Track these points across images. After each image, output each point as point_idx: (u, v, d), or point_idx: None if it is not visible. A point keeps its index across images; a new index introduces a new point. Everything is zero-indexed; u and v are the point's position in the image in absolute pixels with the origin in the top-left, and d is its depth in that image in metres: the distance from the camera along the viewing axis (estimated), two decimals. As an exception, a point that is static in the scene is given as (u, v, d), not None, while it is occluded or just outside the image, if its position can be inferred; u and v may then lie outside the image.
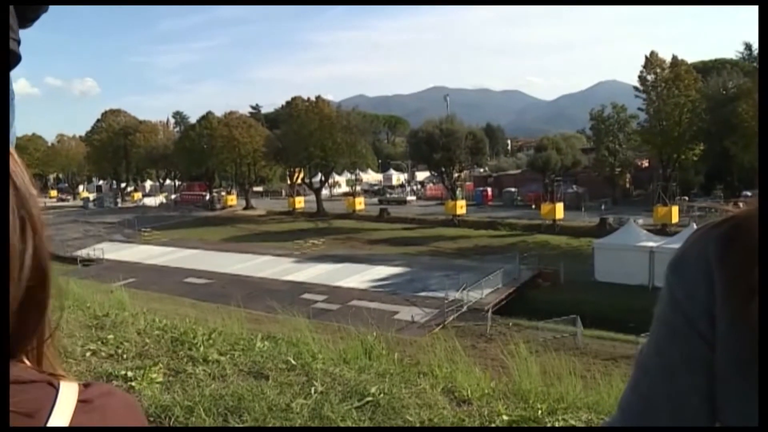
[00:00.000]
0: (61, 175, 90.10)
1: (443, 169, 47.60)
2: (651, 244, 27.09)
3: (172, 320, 4.81)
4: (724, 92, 40.05)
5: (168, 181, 74.19)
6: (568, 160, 48.55)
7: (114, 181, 79.84)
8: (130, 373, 3.34)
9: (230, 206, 59.21)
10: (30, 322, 0.56)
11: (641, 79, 42.39)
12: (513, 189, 56.23)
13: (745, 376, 0.60)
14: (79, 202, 70.26)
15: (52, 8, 1.40)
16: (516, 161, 77.65)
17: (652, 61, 41.87)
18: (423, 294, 26.16)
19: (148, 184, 78.81)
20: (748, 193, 34.54)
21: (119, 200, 69.84)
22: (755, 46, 6.25)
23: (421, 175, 71.98)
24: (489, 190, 57.71)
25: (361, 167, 62.86)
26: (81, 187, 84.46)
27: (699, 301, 0.64)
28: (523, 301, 25.72)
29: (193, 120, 70.33)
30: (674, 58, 41.94)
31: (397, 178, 75.25)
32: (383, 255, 35.41)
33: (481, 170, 63.60)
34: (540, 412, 2.86)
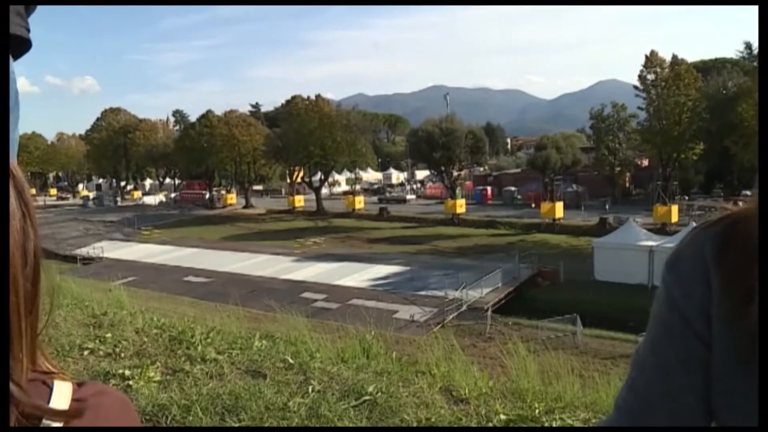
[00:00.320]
0: (60, 174, 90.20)
1: (443, 168, 47.62)
2: (651, 243, 27.05)
3: (171, 319, 4.80)
4: (724, 92, 39.96)
5: (168, 180, 74.18)
6: (567, 159, 48.63)
7: (114, 180, 79.83)
8: (127, 372, 3.33)
9: (230, 205, 59.17)
10: (21, 320, 0.56)
11: (641, 78, 42.37)
12: (513, 188, 56.28)
13: (741, 376, 0.59)
14: (79, 201, 70.30)
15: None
16: (516, 160, 77.78)
17: (652, 61, 41.85)
18: (422, 293, 26.10)
19: (148, 182, 78.85)
20: (748, 193, 34.41)
21: (119, 199, 69.67)
22: (755, 45, 6.23)
23: (421, 174, 71.98)
24: (489, 189, 57.74)
25: (360, 166, 62.97)
26: (81, 186, 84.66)
27: (695, 300, 0.64)
28: (523, 300, 25.67)
29: (193, 118, 70.32)
30: (674, 57, 41.95)
31: (397, 177, 75.23)
32: (383, 254, 35.40)
33: (481, 169, 63.49)
34: (537, 411, 2.86)
